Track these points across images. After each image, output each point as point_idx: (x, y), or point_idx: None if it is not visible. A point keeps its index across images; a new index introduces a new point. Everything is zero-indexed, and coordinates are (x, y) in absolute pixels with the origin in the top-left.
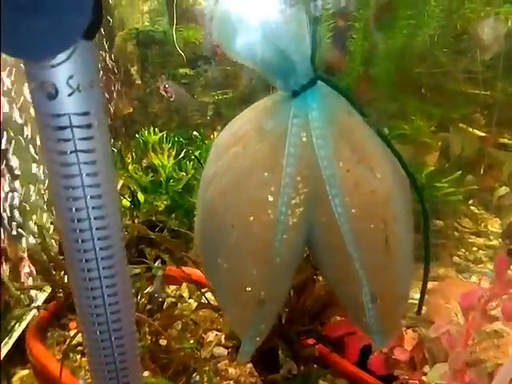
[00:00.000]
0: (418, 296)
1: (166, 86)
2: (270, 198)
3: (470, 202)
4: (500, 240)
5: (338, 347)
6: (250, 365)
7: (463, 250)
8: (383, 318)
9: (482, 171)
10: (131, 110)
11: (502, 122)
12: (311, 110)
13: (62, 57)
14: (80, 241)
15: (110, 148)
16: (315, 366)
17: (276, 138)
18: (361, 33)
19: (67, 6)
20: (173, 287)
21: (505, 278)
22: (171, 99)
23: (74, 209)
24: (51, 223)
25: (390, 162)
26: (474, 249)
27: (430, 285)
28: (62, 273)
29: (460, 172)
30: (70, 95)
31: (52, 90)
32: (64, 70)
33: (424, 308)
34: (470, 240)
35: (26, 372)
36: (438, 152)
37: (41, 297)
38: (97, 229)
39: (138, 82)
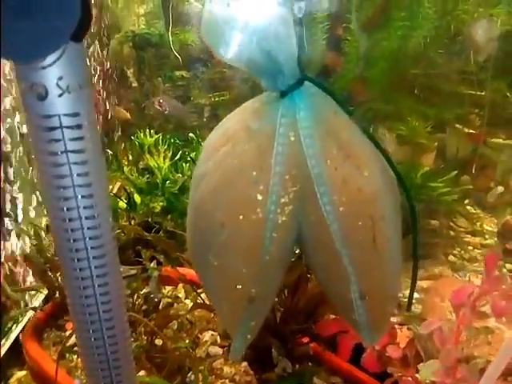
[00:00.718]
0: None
1: (161, 100)
2: (259, 197)
3: (466, 201)
4: (496, 239)
5: (332, 345)
6: (245, 363)
7: (458, 249)
8: (372, 315)
9: (477, 171)
10: (129, 116)
11: (497, 123)
12: (299, 110)
13: (51, 58)
14: (72, 240)
15: (101, 148)
16: (309, 364)
17: (264, 137)
18: (356, 35)
19: (55, 9)
20: (169, 288)
21: (494, 274)
22: (166, 112)
23: (65, 208)
24: (47, 225)
25: (377, 162)
26: (470, 248)
27: (425, 284)
28: (58, 274)
29: (455, 172)
30: (59, 96)
31: (42, 91)
32: (54, 72)
33: (419, 306)
34: (465, 239)
35: (23, 373)
36: (434, 152)
37: (37, 298)
38: (88, 228)
39: (135, 84)
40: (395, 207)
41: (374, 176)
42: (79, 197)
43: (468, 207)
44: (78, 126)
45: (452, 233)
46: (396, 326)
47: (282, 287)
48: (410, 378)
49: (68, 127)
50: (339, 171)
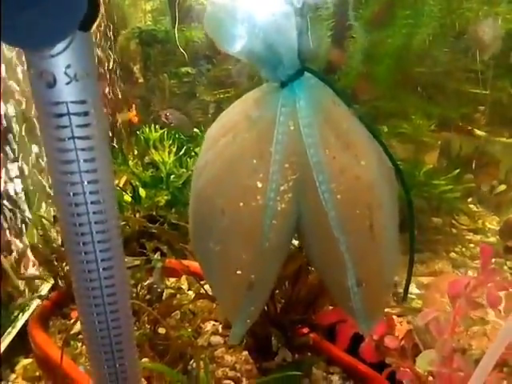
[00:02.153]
0: (413, 289)
1: (167, 114)
2: (259, 185)
3: (469, 199)
4: (497, 237)
5: (331, 336)
6: (245, 352)
7: (460, 247)
8: (368, 302)
9: (480, 169)
10: (135, 118)
11: (502, 121)
12: (298, 100)
13: (60, 47)
14: (77, 224)
15: (107, 135)
16: (309, 353)
17: (265, 126)
18: (360, 32)
19: None
20: (172, 279)
21: (489, 266)
22: (172, 125)
23: (71, 193)
24: (54, 216)
25: (375, 152)
26: (471, 245)
27: (426, 280)
28: (64, 264)
29: (458, 170)
30: (67, 84)
31: (51, 79)
32: (62, 60)
33: (420, 302)
34: (467, 237)
35: (29, 360)
36: (438, 150)
37: (44, 287)
38: (94, 213)
39: (141, 80)
40: (392, 196)
41: (371, 165)
42: (85, 182)
43: (470, 205)
44: (85, 113)
45: (454, 230)
46: (395, 319)
47: (282, 278)
48: (407, 369)
49: (75, 114)
50: (337, 160)
